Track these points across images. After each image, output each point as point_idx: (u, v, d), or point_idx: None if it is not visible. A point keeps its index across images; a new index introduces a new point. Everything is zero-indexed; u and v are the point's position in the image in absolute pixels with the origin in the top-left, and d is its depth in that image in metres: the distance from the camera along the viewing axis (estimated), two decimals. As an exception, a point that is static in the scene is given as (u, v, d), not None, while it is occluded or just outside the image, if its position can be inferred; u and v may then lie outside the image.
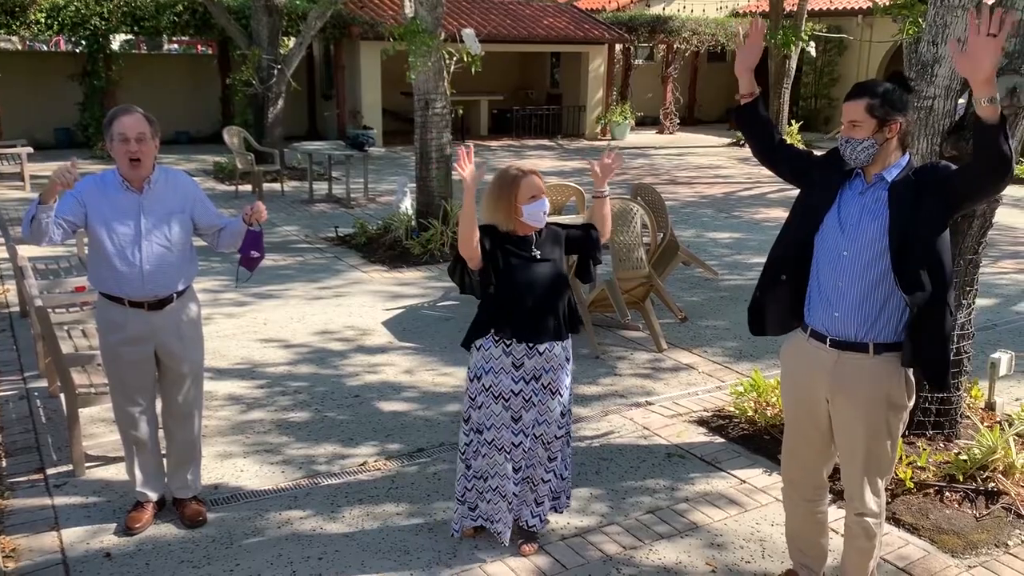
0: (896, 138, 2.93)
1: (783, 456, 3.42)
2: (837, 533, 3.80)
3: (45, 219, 3.40)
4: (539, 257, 3.52)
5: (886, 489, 4.03)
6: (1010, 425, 4.47)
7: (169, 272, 3.67)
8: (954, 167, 2.95)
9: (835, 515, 3.97)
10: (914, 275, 2.87)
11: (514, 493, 3.62)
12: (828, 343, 3.04)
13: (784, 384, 3.34)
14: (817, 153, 3.31)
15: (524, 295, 3.50)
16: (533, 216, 3.47)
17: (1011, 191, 6.56)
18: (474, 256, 3.43)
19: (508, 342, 3.51)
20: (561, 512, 3.88)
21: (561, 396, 3.60)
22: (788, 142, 3.34)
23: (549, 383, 3.56)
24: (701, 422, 5.07)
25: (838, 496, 4.08)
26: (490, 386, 3.55)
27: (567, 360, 3.62)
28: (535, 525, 3.69)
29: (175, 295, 3.72)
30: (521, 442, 3.58)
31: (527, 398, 3.55)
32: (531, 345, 3.51)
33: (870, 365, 2.99)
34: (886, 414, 3.02)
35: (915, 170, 2.97)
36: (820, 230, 3.04)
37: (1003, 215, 5.82)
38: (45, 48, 23.44)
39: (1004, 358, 5.01)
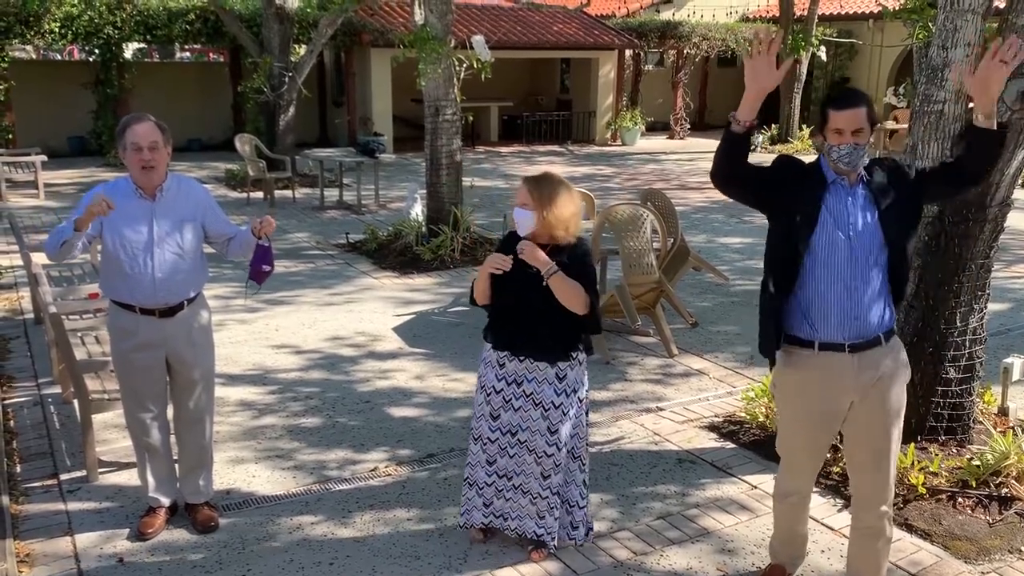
0: None
1: (786, 470, 3.39)
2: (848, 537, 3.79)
3: (77, 244, 3.47)
4: (533, 271, 3.41)
5: (898, 494, 4.04)
6: (1023, 430, 4.45)
7: (181, 279, 3.69)
8: (902, 162, 3.18)
9: (844, 521, 3.96)
10: (898, 260, 3.04)
11: (487, 483, 3.66)
12: (847, 350, 3.04)
13: (793, 404, 3.24)
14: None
15: (506, 302, 3.51)
16: (515, 221, 3.47)
17: (1022, 195, 6.52)
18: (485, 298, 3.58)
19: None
20: (580, 544, 3.76)
21: (546, 411, 3.52)
22: (751, 164, 3.11)
23: (532, 393, 3.53)
24: (712, 428, 5.06)
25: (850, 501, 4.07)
26: (480, 376, 3.65)
27: (559, 379, 3.51)
28: (542, 535, 3.66)
29: (186, 302, 3.74)
30: (498, 439, 3.61)
31: (507, 399, 3.57)
32: (513, 354, 3.54)
33: (885, 354, 3.08)
34: (902, 390, 3.16)
35: (871, 164, 3.07)
36: (811, 244, 3.00)
37: (1015, 219, 5.80)
38: (59, 57, 23.64)
39: (1017, 363, 4.98)
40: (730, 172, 3.02)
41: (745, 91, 2.92)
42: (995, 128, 2.92)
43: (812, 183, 3.04)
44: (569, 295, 3.39)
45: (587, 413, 3.71)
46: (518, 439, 3.58)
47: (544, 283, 3.39)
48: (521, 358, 3.52)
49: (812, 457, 3.32)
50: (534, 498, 3.62)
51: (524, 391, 3.54)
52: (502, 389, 3.57)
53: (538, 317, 3.45)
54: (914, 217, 3.11)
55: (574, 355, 3.54)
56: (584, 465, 3.70)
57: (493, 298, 3.57)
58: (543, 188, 3.42)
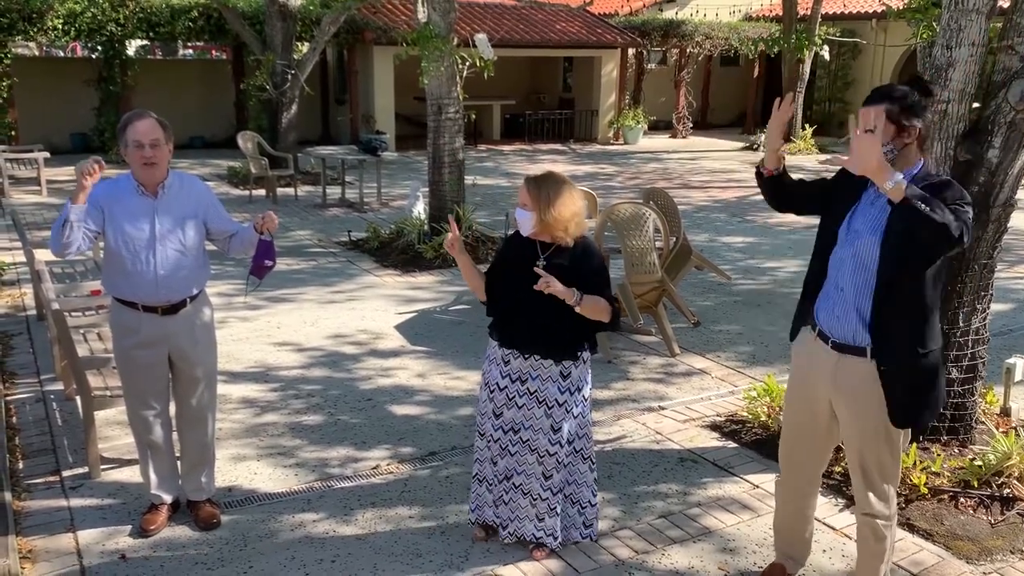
0: (914, 143, 2.92)
1: (781, 452, 3.44)
2: (851, 539, 3.79)
3: (77, 222, 3.45)
4: (542, 266, 3.41)
5: (900, 494, 4.03)
6: (1026, 431, 4.45)
7: (183, 276, 3.69)
8: (957, 192, 2.88)
9: (849, 520, 3.97)
10: (892, 292, 2.90)
11: (493, 481, 3.68)
12: (830, 344, 3.07)
13: (791, 380, 3.35)
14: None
15: (511, 299, 3.51)
16: (517, 221, 3.49)
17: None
18: (481, 291, 3.64)
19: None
20: (595, 540, 3.78)
21: (550, 408, 3.52)
22: (801, 181, 3.29)
23: (536, 391, 3.53)
24: (714, 427, 5.05)
25: (852, 500, 4.07)
26: (484, 372, 3.65)
27: (564, 377, 3.51)
28: (540, 537, 3.66)
29: (188, 299, 3.74)
30: (499, 438, 3.61)
31: (510, 396, 3.57)
32: (520, 351, 3.54)
33: (867, 370, 3.00)
34: (884, 420, 3.02)
35: (926, 185, 2.87)
36: (838, 235, 3.06)
37: (1018, 220, 5.80)
38: (62, 54, 23.64)
39: (1020, 363, 4.98)
40: (773, 198, 3.31)
41: (766, 145, 3.22)
42: (900, 202, 2.65)
43: (856, 183, 3.04)
44: (596, 312, 3.43)
45: (590, 411, 3.71)
46: (520, 437, 3.58)
47: (544, 260, 3.42)
48: (527, 356, 3.52)
49: (800, 441, 3.32)
50: (534, 499, 3.62)
51: (528, 388, 3.54)
52: (506, 386, 3.57)
53: (548, 316, 3.44)
54: (919, 250, 2.84)
55: (580, 353, 3.55)
56: (593, 465, 3.71)
57: (497, 294, 3.58)
58: (543, 189, 3.41)
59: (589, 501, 3.71)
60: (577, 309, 3.38)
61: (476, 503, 3.79)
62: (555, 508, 3.61)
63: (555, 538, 3.65)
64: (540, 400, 3.53)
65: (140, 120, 3.55)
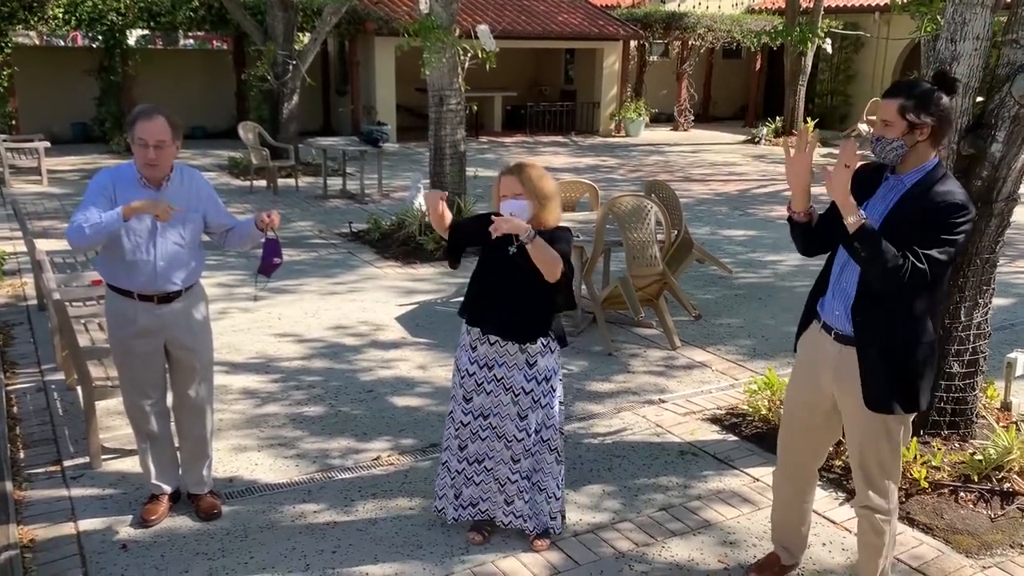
0: (927, 141, 2.88)
1: (779, 444, 3.45)
2: (851, 532, 3.80)
3: (116, 233, 3.50)
4: (512, 252, 3.47)
5: (900, 488, 4.03)
6: (1026, 425, 4.45)
7: (180, 268, 3.70)
8: (943, 205, 2.84)
9: (849, 513, 3.97)
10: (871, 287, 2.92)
11: (457, 471, 3.70)
12: (833, 336, 3.09)
13: (794, 373, 3.36)
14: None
15: (484, 283, 3.56)
16: (511, 213, 3.45)
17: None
18: (441, 228, 3.65)
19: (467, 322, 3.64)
20: (558, 534, 3.77)
21: (516, 396, 3.55)
22: (821, 217, 3.12)
23: (502, 378, 3.56)
24: (714, 420, 5.06)
25: (852, 494, 4.08)
26: (456, 359, 3.69)
27: (529, 365, 3.54)
28: (511, 521, 3.69)
29: (184, 290, 3.75)
30: (469, 422, 3.64)
31: (479, 382, 3.60)
32: (483, 332, 3.57)
33: None
34: (883, 416, 3.02)
35: (922, 191, 2.88)
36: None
37: (1021, 214, 5.78)
38: (62, 43, 23.59)
39: (1021, 358, 4.97)
40: (806, 248, 3.16)
41: (791, 187, 3.01)
42: (851, 233, 2.77)
43: (870, 179, 3.03)
44: (546, 260, 3.36)
45: (560, 403, 3.70)
46: (489, 423, 3.62)
47: (516, 246, 3.43)
48: (492, 340, 3.55)
49: (798, 433, 3.32)
50: (503, 484, 3.65)
51: (495, 375, 3.58)
52: (474, 372, 3.61)
53: (510, 295, 3.49)
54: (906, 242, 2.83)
55: (544, 342, 3.56)
56: (561, 456, 3.72)
57: (458, 243, 3.65)
58: (529, 176, 3.44)
59: (554, 493, 3.71)
60: (528, 247, 3.33)
61: (442, 492, 3.79)
62: (524, 492, 3.65)
63: (525, 520, 3.67)
64: (507, 387, 3.57)
65: (150, 119, 3.51)
